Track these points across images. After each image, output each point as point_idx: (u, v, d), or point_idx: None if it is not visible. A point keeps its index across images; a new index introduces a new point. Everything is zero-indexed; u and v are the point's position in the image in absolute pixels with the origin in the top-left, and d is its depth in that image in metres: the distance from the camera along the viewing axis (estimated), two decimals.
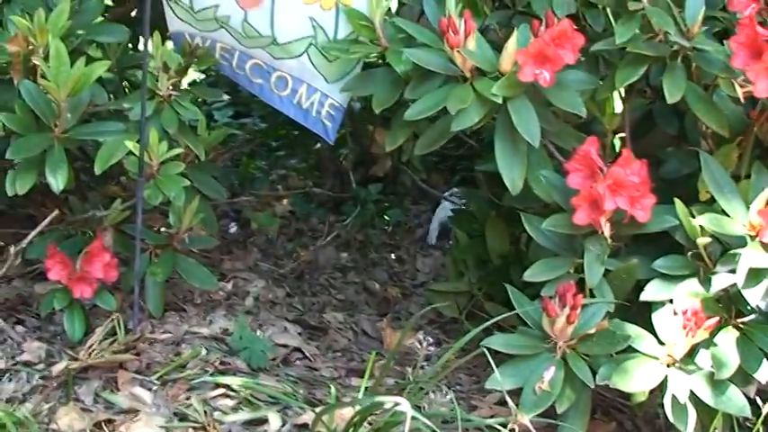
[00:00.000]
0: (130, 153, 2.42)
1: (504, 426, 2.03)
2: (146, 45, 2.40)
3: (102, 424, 2.24)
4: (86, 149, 2.76)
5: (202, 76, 4.01)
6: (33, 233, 2.51)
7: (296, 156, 3.96)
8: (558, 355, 2.13)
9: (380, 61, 2.40)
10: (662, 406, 2.14)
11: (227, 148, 3.74)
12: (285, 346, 2.66)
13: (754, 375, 2.08)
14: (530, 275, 2.19)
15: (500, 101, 2.16)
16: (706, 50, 2.15)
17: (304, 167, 3.85)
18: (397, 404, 1.98)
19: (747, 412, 2.07)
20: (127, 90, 2.90)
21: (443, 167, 3.91)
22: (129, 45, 2.88)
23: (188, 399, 2.35)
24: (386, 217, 3.56)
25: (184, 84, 2.61)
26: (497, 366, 2.13)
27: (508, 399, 2.02)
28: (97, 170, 2.41)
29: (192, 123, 2.65)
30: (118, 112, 2.60)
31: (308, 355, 2.67)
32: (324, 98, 2.50)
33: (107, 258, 2.49)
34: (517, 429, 2.05)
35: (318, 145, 3.80)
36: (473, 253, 2.94)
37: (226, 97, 4.14)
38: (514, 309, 2.21)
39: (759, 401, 2.06)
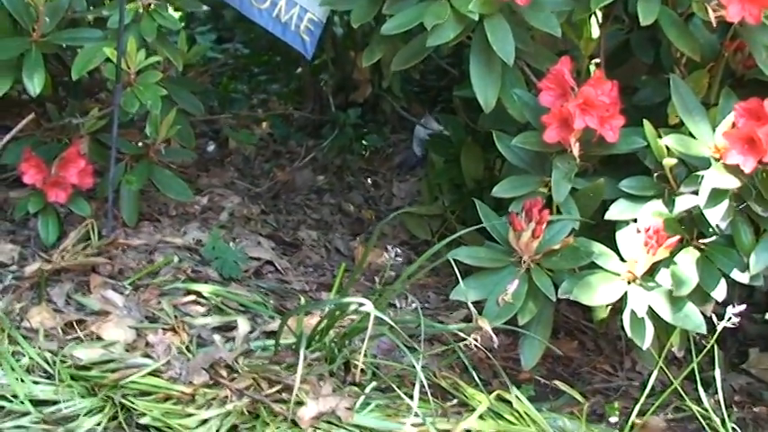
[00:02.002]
0: (108, 60, 2.44)
1: (466, 333, 2.08)
2: None
3: (74, 323, 2.28)
4: (66, 62, 2.77)
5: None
6: (8, 136, 2.53)
7: (277, 81, 3.97)
8: (522, 269, 2.17)
9: None
10: (623, 328, 2.19)
11: (208, 70, 3.76)
12: (258, 259, 2.70)
13: (711, 294, 2.13)
14: (498, 191, 2.23)
15: (476, 18, 2.18)
16: None
17: (285, 92, 3.86)
18: (361, 305, 2.02)
19: (703, 329, 2.12)
20: (106, 2, 2.90)
21: (424, 98, 3.92)
22: None
23: (159, 303, 2.40)
24: (364, 142, 3.58)
25: None
26: (464, 280, 2.17)
27: (471, 306, 2.06)
28: (74, 75, 2.42)
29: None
30: (97, 21, 2.62)
31: (279, 268, 2.71)
32: (303, 12, 2.51)
33: (82, 164, 2.51)
34: (480, 338, 2.09)
35: (300, 70, 3.82)
36: (448, 177, 2.97)
37: (208, 23, 4.16)
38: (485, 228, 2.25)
39: (715, 320, 2.10)
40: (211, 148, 3.38)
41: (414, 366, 2.11)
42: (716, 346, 2.13)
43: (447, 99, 3.80)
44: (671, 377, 2.18)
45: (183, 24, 3.94)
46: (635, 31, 2.56)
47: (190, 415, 2.06)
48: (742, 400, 2.56)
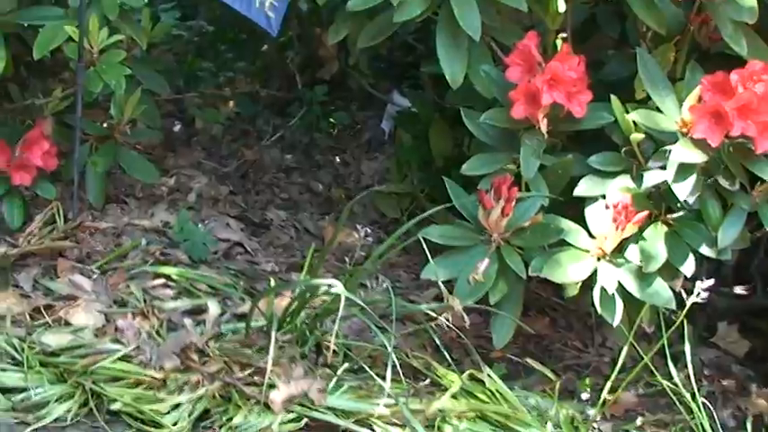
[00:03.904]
0: (70, 39, 2.40)
1: (437, 312, 2.07)
2: None
3: (42, 309, 2.25)
4: (27, 41, 2.72)
5: None
6: None
7: (243, 58, 3.92)
8: (492, 247, 2.17)
9: None
10: (593, 305, 2.20)
11: (172, 48, 3.71)
12: (226, 240, 2.68)
13: (680, 269, 2.14)
14: (467, 169, 2.22)
15: None
16: None
17: (251, 70, 3.82)
18: (331, 286, 2.01)
19: (672, 304, 2.13)
20: None
21: (392, 74, 3.89)
22: None
23: (128, 287, 2.37)
24: (332, 120, 3.56)
25: None
26: (434, 260, 2.16)
27: (441, 286, 2.06)
28: (36, 55, 2.38)
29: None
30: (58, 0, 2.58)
31: (249, 249, 2.69)
32: None
33: (46, 146, 2.47)
34: (451, 318, 2.09)
35: (266, 47, 3.78)
36: (417, 155, 2.96)
37: None
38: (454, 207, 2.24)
39: (684, 295, 2.11)
40: (177, 127, 3.34)
41: (385, 347, 2.11)
42: (685, 321, 2.13)
43: (414, 75, 3.78)
44: (641, 353, 2.18)
45: (146, 1, 3.89)
46: (600, 5, 2.56)
47: (161, 400, 2.04)
48: (711, 374, 2.59)
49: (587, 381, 2.41)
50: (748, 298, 2.69)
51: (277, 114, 3.58)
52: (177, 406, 2.05)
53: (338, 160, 3.41)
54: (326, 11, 3.54)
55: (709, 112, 2.03)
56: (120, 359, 2.11)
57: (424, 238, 2.16)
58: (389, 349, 2.02)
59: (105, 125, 2.68)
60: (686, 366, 2.21)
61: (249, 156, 3.27)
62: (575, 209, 2.21)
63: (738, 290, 2.63)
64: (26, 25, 2.56)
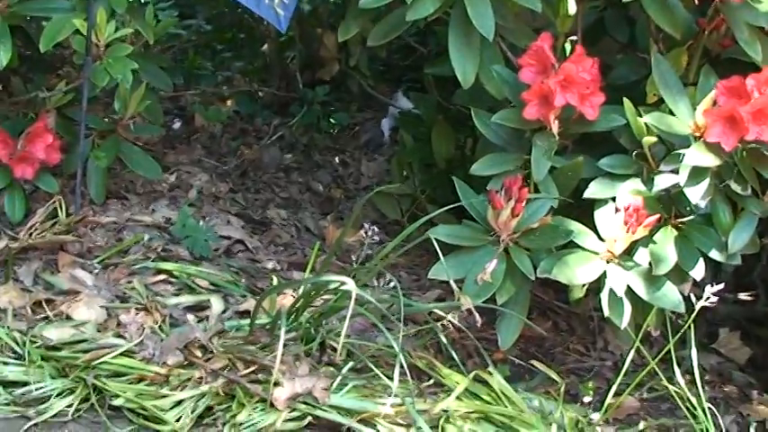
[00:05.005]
0: (77, 32, 2.38)
1: (445, 312, 2.06)
2: None
3: (43, 303, 2.22)
4: (30, 34, 2.69)
5: None
6: None
7: (242, 58, 3.91)
8: (500, 247, 2.15)
9: None
10: (596, 308, 2.18)
11: (173, 46, 3.69)
12: (228, 237, 2.66)
13: (689, 273, 2.13)
14: (477, 169, 2.20)
15: None
16: None
17: (250, 69, 3.80)
18: (342, 284, 1.99)
19: (681, 308, 2.12)
20: None
21: (390, 77, 3.89)
22: None
23: (129, 282, 2.35)
24: (332, 120, 3.54)
25: None
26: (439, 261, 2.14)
27: (453, 284, 2.04)
28: (42, 47, 2.35)
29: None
30: None
31: (250, 247, 2.67)
32: None
33: (50, 139, 2.45)
34: (457, 319, 2.07)
35: (265, 47, 3.76)
36: (418, 156, 2.95)
37: None
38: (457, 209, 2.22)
39: (693, 299, 2.10)
40: (177, 125, 3.32)
41: (388, 346, 2.09)
42: (692, 326, 2.12)
43: (413, 78, 3.77)
44: (648, 357, 2.18)
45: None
46: (609, 9, 2.55)
47: (164, 396, 2.03)
48: (712, 380, 2.58)
49: (590, 384, 2.40)
50: (750, 305, 2.69)
51: (276, 114, 3.57)
52: (180, 402, 2.03)
53: (337, 160, 3.40)
54: (326, 12, 3.55)
55: (723, 116, 2.02)
56: (122, 354, 2.10)
57: (428, 240, 2.14)
58: (397, 349, 2.00)
59: (107, 120, 2.66)
60: (688, 372, 2.20)
61: (248, 154, 3.25)
62: (583, 211, 2.20)
63: (742, 296, 2.63)
64: (28, 18, 2.54)
